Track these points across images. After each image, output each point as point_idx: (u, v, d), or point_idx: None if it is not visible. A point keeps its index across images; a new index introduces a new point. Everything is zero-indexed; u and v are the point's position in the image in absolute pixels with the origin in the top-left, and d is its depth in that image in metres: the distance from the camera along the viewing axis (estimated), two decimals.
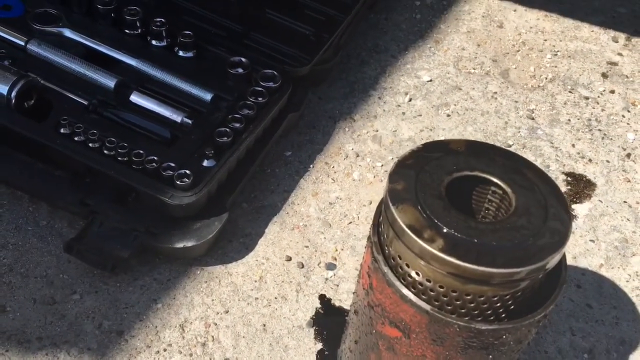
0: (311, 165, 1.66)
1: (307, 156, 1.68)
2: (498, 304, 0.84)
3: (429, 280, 0.85)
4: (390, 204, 0.86)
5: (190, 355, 1.26)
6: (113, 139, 1.36)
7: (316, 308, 1.37)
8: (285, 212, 1.54)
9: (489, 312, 0.85)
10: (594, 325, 1.39)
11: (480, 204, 0.96)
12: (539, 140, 1.80)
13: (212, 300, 1.35)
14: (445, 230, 0.82)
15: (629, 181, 1.71)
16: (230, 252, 1.44)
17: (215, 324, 1.31)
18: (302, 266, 1.44)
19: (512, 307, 0.86)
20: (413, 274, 0.86)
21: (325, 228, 1.52)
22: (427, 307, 0.85)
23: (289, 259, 1.45)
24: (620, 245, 1.55)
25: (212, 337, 1.29)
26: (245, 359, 1.27)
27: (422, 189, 0.88)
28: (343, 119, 1.79)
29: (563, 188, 1.67)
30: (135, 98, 1.47)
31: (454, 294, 0.84)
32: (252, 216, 1.52)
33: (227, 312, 1.33)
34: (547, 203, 0.87)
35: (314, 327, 1.33)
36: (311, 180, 1.63)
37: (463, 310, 0.85)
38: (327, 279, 1.43)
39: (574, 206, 1.64)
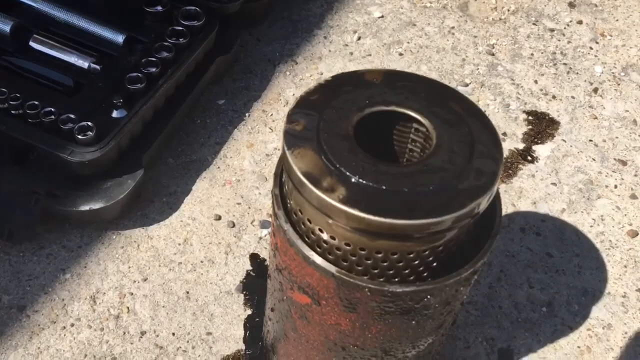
0: (247, 114, 1.50)
1: (243, 104, 1.52)
2: (416, 262, 0.71)
3: (333, 238, 0.71)
4: (286, 149, 0.71)
5: (102, 329, 1.12)
6: (4, 90, 1.19)
7: (247, 271, 1.23)
8: (216, 167, 1.39)
9: (407, 271, 0.71)
10: (553, 276, 1.27)
11: (403, 146, 0.82)
12: (499, 77, 1.65)
13: (129, 267, 1.21)
14: (348, 176, 0.68)
15: (596, 118, 1.56)
16: (151, 213, 1.29)
17: (132, 294, 1.17)
18: (233, 225, 1.30)
19: (434, 264, 0.72)
20: (317, 230, 0.72)
21: (261, 182, 1.38)
22: (333, 269, 0.71)
23: (219, 217, 1.30)
24: (585, 188, 1.42)
25: (127, 308, 1.15)
26: (165, 330, 1.13)
27: (326, 129, 0.73)
28: (284, 62, 1.63)
29: (524, 128, 1.53)
30: (35, 44, 1.29)
31: (363, 252, 0.70)
32: (178, 172, 1.37)
33: (145, 279, 1.19)
34: (474, 139, 0.72)
35: (244, 292, 1.20)
36: (246, 130, 1.47)
37: (376, 271, 0.71)
38: (261, 237, 1.29)
39: (535, 147, 1.49)
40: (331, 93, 0.77)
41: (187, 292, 1.19)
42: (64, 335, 1.11)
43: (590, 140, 1.52)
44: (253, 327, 1.15)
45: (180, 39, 1.35)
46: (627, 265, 1.29)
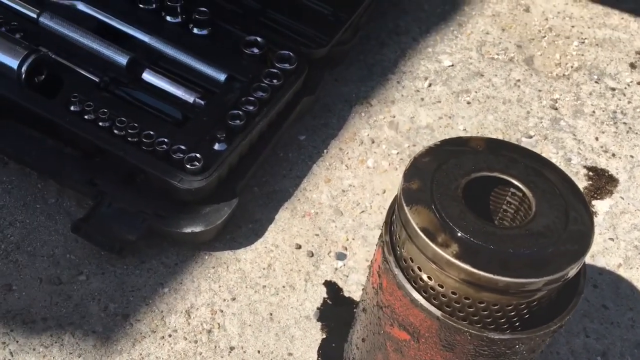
0: (325, 151, 1.62)
1: (321, 141, 1.64)
2: (512, 313, 0.81)
3: (441, 286, 0.81)
4: (404, 204, 0.82)
5: (196, 342, 1.24)
6: (123, 119, 1.33)
7: (324, 298, 1.34)
8: (297, 198, 1.51)
9: (503, 320, 0.82)
10: (608, 327, 1.35)
11: (498, 205, 0.92)
12: (562, 131, 1.75)
13: (219, 286, 1.33)
14: (460, 235, 0.79)
15: None
16: (239, 237, 1.41)
17: (222, 311, 1.29)
18: (312, 255, 1.41)
19: (527, 316, 0.82)
20: (425, 277, 0.83)
21: (337, 216, 1.49)
22: (438, 312, 0.82)
23: (299, 247, 1.42)
24: None
25: (218, 324, 1.27)
26: (251, 348, 1.25)
27: (438, 190, 0.84)
28: (359, 103, 1.75)
29: (584, 183, 1.62)
30: (147, 76, 1.43)
31: (467, 301, 0.80)
32: (262, 201, 1.49)
33: (234, 299, 1.31)
34: (568, 208, 0.83)
35: (321, 318, 1.31)
36: (324, 166, 1.59)
37: (475, 318, 0.82)
38: (336, 268, 1.40)
39: (594, 202, 1.59)
40: (440, 156, 0.88)
41: (271, 314, 1.30)
42: (163, 344, 1.23)
43: None
44: (327, 352, 1.26)
45: (274, 81, 1.48)
46: None
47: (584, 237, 0.80)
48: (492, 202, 0.92)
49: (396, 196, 0.89)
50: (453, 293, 0.81)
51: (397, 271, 0.85)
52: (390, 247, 0.88)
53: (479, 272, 0.76)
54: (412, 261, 0.84)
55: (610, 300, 1.40)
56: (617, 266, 1.46)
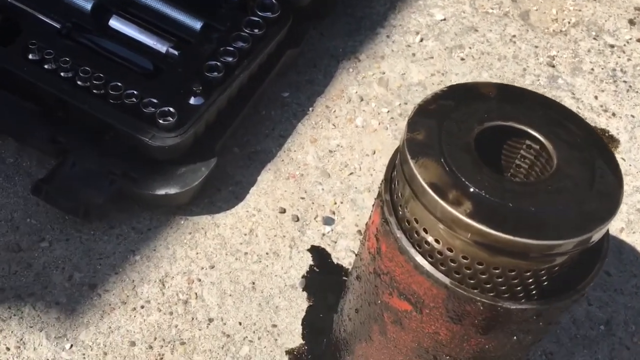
0: (310, 109, 1.50)
1: (307, 98, 1.52)
2: (530, 280, 0.72)
3: (450, 250, 0.71)
4: (409, 157, 0.72)
5: (171, 313, 1.13)
6: (88, 69, 1.19)
7: (311, 266, 1.24)
8: (281, 159, 1.40)
9: (519, 289, 0.72)
10: (612, 295, 1.28)
11: (510, 160, 0.82)
12: (560, 90, 1.65)
13: (197, 253, 1.22)
14: (474, 191, 0.69)
15: None
16: (218, 201, 1.30)
17: (200, 280, 1.19)
18: (297, 219, 1.31)
19: (545, 284, 0.73)
20: (431, 240, 0.73)
21: (324, 178, 1.38)
22: (446, 280, 0.72)
23: (283, 211, 1.31)
24: None
25: (196, 294, 1.17)
26: (232, 319, 1.15)
27: (448, 140, 0.73)
28: (347, 58, 1.63)
29: None
30: (114, 23, 1.30)
31: (480, 266, 0.71)
32: (243, 162, 1.38)
33: (212, 267, 1.21)
34: (594, 163, 0.73)
35: (308, 287, 1.21)
36: (310, 125, 1.48)
37: (488, 286, 0.72)
38: (324, 234, 1.30)
39: None
40: (449, 104, 0.78)
41: (253, 283, 1.20)
42: (134, 316, 1.12)
43: None
44: (314, 323, 1.16)
45: (256, 30, 1.36)
46: None
47: (612, 196, 0.71)
48: (504, 156, 0.82)
49: (397, 149, 0.78)
50: (464, 258, 0.71)
51: (399, 234, 0.75)
52: (390, 206, 0.77)
53: (496, 234, 0.66)
54: (417, 222, 0.73)
55: (613, 266, 1.32)
56: (619, 230, 1.38)
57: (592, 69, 1.71)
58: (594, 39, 1.79)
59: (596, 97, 1.65)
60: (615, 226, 1.39)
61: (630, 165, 1.51)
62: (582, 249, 0.70)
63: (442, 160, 0.71)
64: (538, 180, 0.74)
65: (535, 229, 0.66)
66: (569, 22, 1.83)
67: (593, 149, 0.75)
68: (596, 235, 0.70)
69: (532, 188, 0.70)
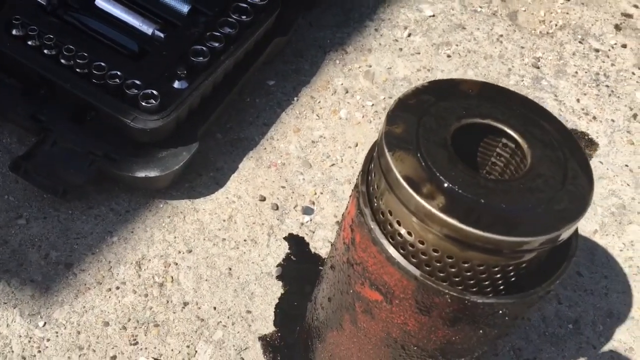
0: (295, 98, 1.51)
1: (292, 88, 1.53)
2: (498, 276, 0.73)
3: (422, 242, 0.72)
4: (386, 150, 0.72)
5: (146, 295, 1.14)
6: (72, 47, 1.19)
7: (288, 254, 1.25)
8: (263, 148, 1.40)
9: (487, 283, 0.74)
10: (582, 295, 1.30)
11: (486, 158, 0.84)
12: (543, 91, 1.67)
13: (175, 237, 1.22)
14: (447, 186, 0.70)
15: (633, 143, 1.59)
16: (198, 186, 1.30)
17: (176, 264, 1.19)
18: (277, 208, 1.31)
19: (513, 279, 0.75)
20: (404, 233, 0.74)
21: (305, 168, 1.39)
22: (417, 272, 0.74)
23: (263, 199, 1.32)
24: (617, 212, 1.45)
25: (172, 277, 1.17)
26: (207, 304, 1.15)
27: (425, 135, 0.74)
28: (334, 49, 1.63)
29: None
30: (101, 2, 1.29)
31: (450, 260, 0.72)
32: (225, 149, 1.38)
33: (190, 251, 1.21)
34: (567, 163, 0.74)
35: (284, 275, 1.22)
36: (294, 114, 1.48)
37: (457, 279, 0.74)
38: (302, 223, 1.31)
39: None
40: (429, 99, 0.78)
41: (230, 269, 1.21)
42: (109, 297, 1.12)
43: (626, 165, 1.54)
44: (288, 310, 1.17)
45: (243, 16, 1.35)
46: None
47: (582, 196, 0.72)
48: (480, 154, 0.84)
49: (376, 142, 0.79)
50: (435, 251, 0.72)
51: (372, 225, 0.76)
52: (366, 198, 0.78)
53: (467, 228, 0.67)
54: (391, 214, 0.74)
55: (585, 267, 1.35)
56: (592, 232, 1.41)
57: (576, 72, 1.73)
58: (580, 42, 1.81)
59: (578, 100, 1.67)
60: (589, 228, 1.41)
61: (607, 168, 1.53)
62: (551, 247, 0.72)
63: (418, 154, 0.72)
64: (511, 178, 0.75)
65: (505, 226, 0.68)
66: (556, 25, 1.85)
67: (567, 149, 0.76)
68: (565, 234, 0.71)
69: (505, 185, 0.72)
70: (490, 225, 0.67)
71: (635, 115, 1.66)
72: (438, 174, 0.71)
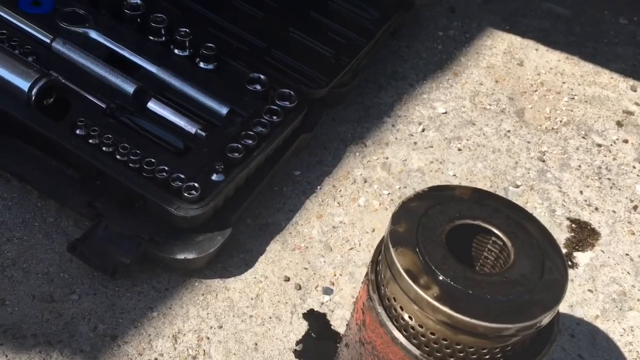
0: (319, 187, 1.67)
1: (316, 177, 1.69)
2: (487, 357, 0.85)
3: (421, 326, 0.85)
4: (390, 246, 0.87)
5: None
6: (127, 145, 1.38)
7: (309, 331, 1.38)
8: (288, 232, 1.55)
9: None
10: None
11: (479, 252, 0.97)
12: (548, 183, 1.81)
13: (207, 313, 1.36)
14: (441, 279, 0.83)
15: (633, 234, 1.71)
16: (230, 267, 1.45)
17: (208, 338, 1.32)
18: (300, 288, 1.45)
19: None
20: (406, 317, 0.87)
21: (326, 251, 1.53)
22: (417, 352, 0.86)
23: (287, 279, 1.46)
24: (618, 298, 1.55)
25: (204, 351, 1.30)
26: None
27: (423, 234, 0.89)
28: (355, 143, 1.81)
29: (567, 234, 1.68)
30: (152, 105, 1.49)
31: (445, 342, 0.84)
32: (255, 233, 1.53)
33: (220, 327, 1.34)
34: (544, 259, 0.88)
35: (305, 351, 1.34)
36: (317, 202, 1.64)
37: (452, 359, 0.86)
38: (322, 302, 1.44)
39: (575, 254, 1.64)
40: (427, 202, 0.93)
41: (256, 344, 1.34)
42: None
43: (627, 254, 1.65)
44: None
45: (274, 117, 1.54)
46: None
47: (558, 287, 0.85)
48: (475, 249, 0.97)
49: (383, 237, 0.93)
50: (432, 334, 0.85)
51: (380, 309, 0.90)
52: (375, 285, 0.92)
53: (457, 315, 0.80)
54: (395, 300, 0.88)
55: (587, 350, 1.44)
56: (594, 317, 1.50)
57: (580, 166, 1.87)
58: (583, 137, 1.96)
59: (581, 192, 1.80)
60: (591, 313, 1.51)
61: (608, 257, 1.64)
62: (532, 332, 0.84)
63: (417, 250, 0.87)
64: (496, 272, 0.88)
65: (489, 314, 0.81)
66: (560, 121, 2.00)
67: (546, 246, 0.90)
68: (544, 320, 0.83)
69: (491, 278, 0.85)
70: (476, 313, 0.80)
71: (635, 207, 1.78)
72: (433, 268, 0.84)
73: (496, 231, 0.91)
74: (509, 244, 0.89)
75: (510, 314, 0.81)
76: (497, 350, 0.84)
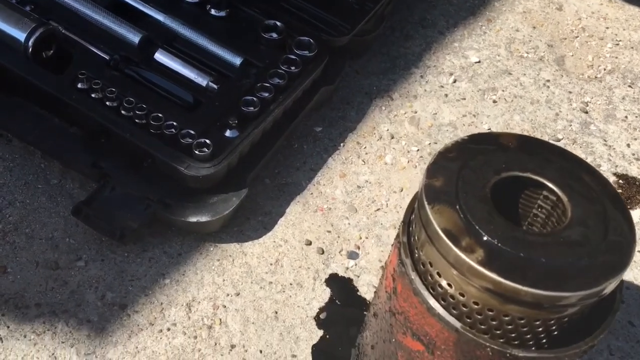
0: (342, 144, 1.55)
1: (338, 134, 1.57)
2: (540, 329, 0.73)
3: (462, 295, 0.74)
4: (426, 203, 0.75)
5: (195, 337, 1.18)
6: (132, 99, 1.27)
7: (333, 298, 1.27)
8: (310, 193, 1.44)
9: (528, 336, 0.74)
10: (634, 346, 1.27)
11: (528, 210, 0.85)
12: (592, 136, 1.66)
13: (224, 280, 1.26)
14: (486, 239, 0.71)
15: None
16: (247, 230, 1.34)
17: (225, 307, 1.23)
18: (322, 252, 1.34)
19: (555, 333, 0.75)
20: (444, 284, 0.75)
21: (351, 213, 1.42)
22: (458, 324, 0.75)
23: (309, 243, 1.35)
24: None
25: (220, 320, 1.21)
26: (253, 347, 1.18)
27: (464, 188, 0.76)
28: (380, 96, 1.67)
29: None
30: (159, 56, 1.37)
31: (490, 313, 0.73)
32: (273, 194, 1.42)
33: (238, 294, 1.25)
34: (607, 216, 0.75)
35: (329, 319, 1.24)
36: (340, 160, 1.52)
37: (498, 332, 0.74)
38: (347, 268, 1.33)
39: None
40: (468, 152, 0.81)
41: (276, 312, 1.24)
42: (160, 338, 1.17)
43: None
44: (333, 355, 1.19)
45: (292, 68, 1.41)
46: None
47: (624, 249, 0.72)
48: (522, 206, 0.85)
49: (417, 193, 0.81)
50: (475, 303, 0.73)
51: (413, 275, 0.78)
52: (407, 249, 0.80)
53: (505, 282, 0.68)
54: (431, 266, 0.76)
55: (638, 317, 1.31)
56: None
57: (626, 117, 1.71)
58: (629, 86, 1.79)
59: (629, 145, 1.65)
60: None
61: None
62: (593, 301, 0.72)
63: (457, 207, 0.74)
64: (551, 232, 0.76)
65: (545, 280, 0.68)
66: (604, 69, 1.84)
67: (608, 202, 0.77)
68: (608, 288, 0.71)
69: (545, 239, 0.72)
70: (530, 280, 0.68)
71: None
72: (477, 227, 0.72)
73: (549, 184, 0.78)
74: (564, 198, 0.76)
75: (569, 280, 0.69)
76: (552, 322, 0.72)
